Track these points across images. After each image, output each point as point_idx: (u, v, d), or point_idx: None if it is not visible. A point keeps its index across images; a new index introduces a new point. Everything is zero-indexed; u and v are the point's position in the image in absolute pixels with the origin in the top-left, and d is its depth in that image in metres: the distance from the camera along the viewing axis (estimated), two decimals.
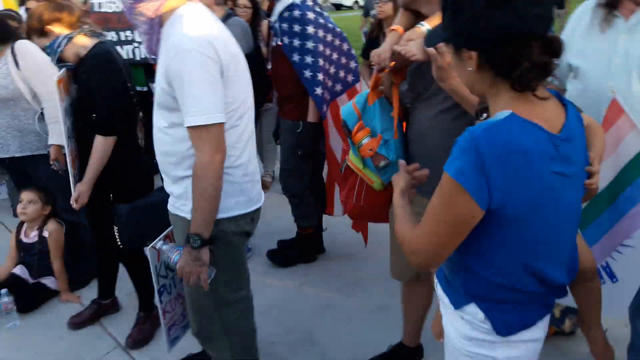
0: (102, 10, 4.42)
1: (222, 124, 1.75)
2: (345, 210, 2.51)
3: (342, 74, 3.16)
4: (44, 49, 2.71)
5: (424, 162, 1.97)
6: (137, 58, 4.39)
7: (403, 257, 2.21)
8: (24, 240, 3.30)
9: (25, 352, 2.86)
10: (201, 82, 1.70)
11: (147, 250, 2.11)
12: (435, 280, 1.46)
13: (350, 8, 29.37)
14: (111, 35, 4.38)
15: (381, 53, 1.94)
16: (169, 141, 1.88)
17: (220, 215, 1.88)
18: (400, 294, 2.51)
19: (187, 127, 1.74)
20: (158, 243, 2.06)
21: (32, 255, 3.28)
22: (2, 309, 3.03)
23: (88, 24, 2.69)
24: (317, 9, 3.11)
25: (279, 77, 3.31)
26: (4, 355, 2.85)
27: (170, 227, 2.15)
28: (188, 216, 1.87)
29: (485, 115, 1.35)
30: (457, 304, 1.33)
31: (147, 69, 4.51)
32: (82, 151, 2.64)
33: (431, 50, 1.56)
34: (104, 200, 2.64)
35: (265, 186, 4.81)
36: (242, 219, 1.98)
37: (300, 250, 3.62)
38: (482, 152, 1.10)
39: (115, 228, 2.52)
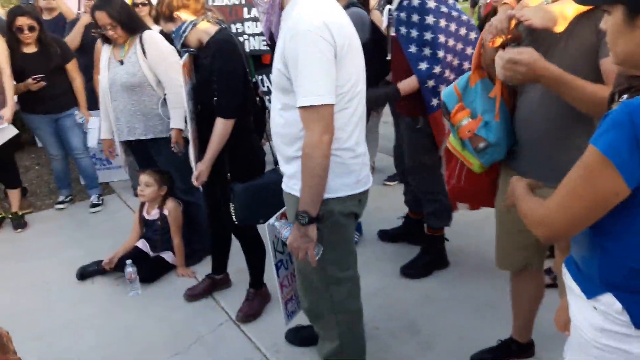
0: (215, 3, 4.63)
1: (331, 105, 1.80)
2: (447, 190, 2.48)
3: (466, 65, 2.92)
4: (169, 35, 2.88)
5: (530, 149, 1.96)
6: (247, 50, 4.56)
7: (510, 245, 2.21)
8: (146, 217, 3.56)
9: (146, 319, 3.10)
10: (315, 63, 1.75)
11: (267, 226, 2.22)
12: (564, 268, 1.42)
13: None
14: None
15: (497, 23, 1.87)
16: (282, 123, 1.96)
17: (328, 195, 1.93)
18: (508, 291, 2.46)
19: (299, 107, 1.80)
20: (272, 220, 2.15)
21: (153, 231, 3.54)
22: (126, 277, 3.29)
23: (211, 11, 2.83)
24: None
25: (396, 70, 3.14)
26: (128, 319, 3.10)
27: (285, 206, 2.24)
28: (298, 194, 1.94)
29: (626, 96, 1.29)
30: (590, 293, 1.28)
31: (256, 61, 4.68)
32: (201, 132, 2.78)
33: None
34: (221, 180, 2.77)
35: None
36: (350, 200, 2.02)
37: (433, 254, 3.41)
38: (638, 126, 1.05)
39: (231, 205, 2.67)
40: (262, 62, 4.60)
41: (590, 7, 1.62)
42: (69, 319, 3.13)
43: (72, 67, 4.34)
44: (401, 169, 3.72)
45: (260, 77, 3.99)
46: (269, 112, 4.50)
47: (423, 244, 3.44)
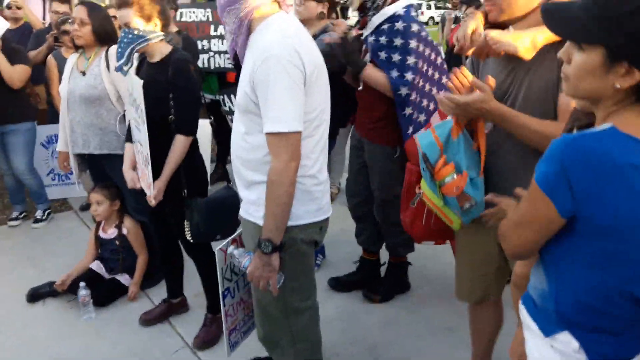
0: (183, 19, 4.61)
1: (299, 132, 1.79)
2: (409, 230, 2.37)
3: (434, 90, 2.84)
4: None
5: (501, 178, 1.93)
6: (212, 67, 4.55)
7: (469, 277, 2.21)
8: (102, 236, 3.44)
9: (100, 344, 2.98)
10: (284, 89, 1.74)
11: (216, 252, 2.17)
12: (521, 305, 1.42)
13: (425, 24, 29.48)
14: None
15: (461, 35, 1.88)
16: (246, 147, 1.93)
17: (291, 223, 1.91)
18: (467, 315, 2.45)
19: (266, 133, 1.78)
20: (229, 247, 2.10)
21: (110, 251, 3.43)
22: (79, 300, 3.17)
23: (172, 34, 2.79)
24: (419, 20, 2.81)
25: (370, 97, 2.94)
26: (80, 345, 2.98)
27: (239, 230, 2.21)
28: (259, 222, 1.91)
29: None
30: (548, 331, 1.27)
31: (220, 78, 4.65)
32: (152, 148, 2.64)
33: None
34: (173, 197, 2.69)
35: (331, 198, 4.85)
36: (312, 227, 1.99)
37: (396, 279, 3.36)
38: (567, 157, 1.10)
39: (186, 223, 2.63)
40: (226, 80, 4.57)
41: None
42: (19, 343, 3.00)
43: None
44: (354, 203, 3.35)
45: (222, 97, 3.95)
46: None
47: (385, 273, 3.38)
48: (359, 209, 3.32)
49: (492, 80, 1.76)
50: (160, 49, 2.65)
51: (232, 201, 2.51)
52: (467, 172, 1.87)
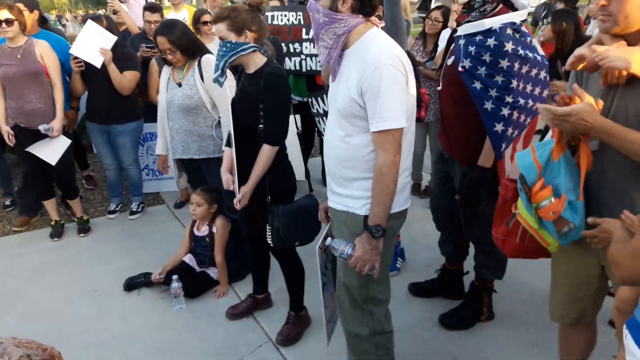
0: (275, 22, 4.73)
1: (402, 129, 1.99)
2: (503, 248, 2.28)
3: (530, 103, 2.63)
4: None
5: (604, 199, 1.84)
6: (303, 70, 4.63)
7: (565, 299, 2.13)
8: (196, 233, 3.64)
9: (189, 336, 3.16)
10: (394, 92, 1.94)
11: (317, 250, 2.29)
12: (625, 330, 1.37)
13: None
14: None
15: (583, 53, 1.79)
16: (345, 148, 2.09)
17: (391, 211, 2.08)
18: (558, 334, 2.38)
19: (375, 131, 1.97)
20: (327, 240, 2.20)
21: (202, 247, 3.62)
22: (172, 292, 3.36)
23: (269, 46, 2.88)
24: (518, 36, 2.57)
25: (446, 99, 2.89)
26: (171, 335, 3.17)
27: (327, 227, 2.36)
28: (359, 212, 2.12)
29: None
30: None
31: (310, 81, 4.74)
32: (240, 154, 2.79)
33: None
34: (260, 202, 2.82)
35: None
36: (402, 215, 2.22)
37: (477, 306, 3.16)
38: None
39: (268, 228, 2.75)
40: (316, 82, 4.64)
41: None
42: (117, 332, 3.22)
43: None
44: (439, 215, 3.28)
45: (311, 99, 4.03)
46: (317, 131, 4.56)
47: (465, 296, 3.25)
48: (445, 222, 3.26)
49: (600, 103, 1.68)
50: (254, 60, 2.75)
51: (313, 210, 2.61)
52: (565, 195, 1.81)
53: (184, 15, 6.27)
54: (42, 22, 4.72)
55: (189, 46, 3.45)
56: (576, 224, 1.80)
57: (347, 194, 2.15)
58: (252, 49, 2.71)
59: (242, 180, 2.78)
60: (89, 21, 4.32)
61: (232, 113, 2.77)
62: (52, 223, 4.56)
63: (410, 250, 3.80)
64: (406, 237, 3.98)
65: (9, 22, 3.91)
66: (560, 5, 5.92)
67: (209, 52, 3.58)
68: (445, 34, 4.17)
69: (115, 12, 5.53)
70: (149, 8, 5.11)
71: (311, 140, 5.24)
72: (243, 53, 2.69)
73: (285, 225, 2.74)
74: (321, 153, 5.30)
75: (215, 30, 2.76)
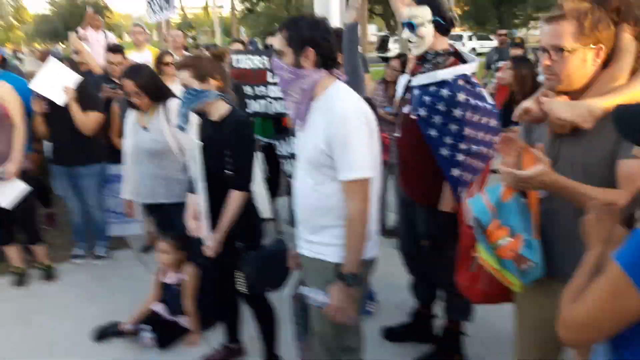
0: (240, 65, 4.79)
1: (370, 177, 2.09)
2: (468, 295, 2.35)
3: (483, 149, 2.78)
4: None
5: (558, 241, 1.92)
6: (270, 112, 4.68)
7: (530, 340, 2.19)
8: (164, 280, 3.59)
9: None
10: (360, 143, 2.05)
11: (290, 299, 2.34)
12: None
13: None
14: (246, 89, 4.73)
15: (529, 107, 1.91)
16: (316, 196, 2.16)
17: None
18: None
19: (345, 180, 2.06)
20: (301, 288, 2.23)
21: (172, 294, 3.57)
22: (143, 342, 3.30)
23: (230, 94, 2.94)
24: (469, 87, 2.73)
25: (403, 146, 3.03)
26: None
27: (298, 274, 2.41)
28: (330, 259, 2.16)
29: None
30: None
31: (276, 123, 4.80)
32: (210, 202, 2.81)
33: None
34: (229, 247, 2.83)
35: None
36: (371, 262, 2.28)
37: (449, 350, 3.18)
38: None
39: (240, 274, 2.76)
40: (282, 124, 4.70)
41: None
42: None
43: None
44: (408, 259, 3.35)
45: (277, 141, 4.10)
46: (284, 174, 4.60)
47: (436, 340, 3.28)
48: (415, 266, 3.32)
49: (541, 148, 1.79)
50: (218, 108, 2.80)
51: (283, 255, 2.64)
52: (520, 234, 1.89)
53: (147, 55, 6.31)
54: (1, 62, 4.66)
55: (155, 91, 3.48)
56: (536, 262, 1.88)
57: (318, 240, 2.20)
58: (216, 97, 2.77)
59: (213, 227, 2.79)
60: (52, 58, 4.30)
61: (199, 159, 2.80)
62: (14, 269, 4.42)
63: (380, 292, 3.84)
64: (375, 278, 4.01)
65: None
66: (515, 51, 6.20)
67: (174, 96, 3.59)
68: (403, 80, 4.32)
69: (76, 52, 5.50)
70: (112, 49, 5.12)
71: (276, 180, 5.28)
72: (207, 100, 2.75)
73: (255, 271, 2.74)
74: (287, 193, 5.34)
75: (179, 77, 2.80)
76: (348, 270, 2.10)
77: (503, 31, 9.04)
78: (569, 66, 1.78)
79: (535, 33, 34.65)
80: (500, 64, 7.41)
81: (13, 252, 4.41)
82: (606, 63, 1.80)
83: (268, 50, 4.92)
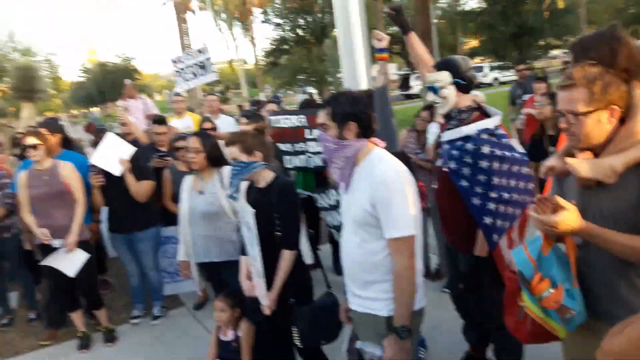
0: (280, 125, 5.08)
1: (415, 234, 2.24)
2: (514, 334, 2.41)
3: (516, 196, 2.89)
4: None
5: (598, 287, 2.02)
6: (311, 166, 4.93)
7: None
8: (222, 338, 3.76)
9: None
10: (403, 203, 2.21)
11: (346, 353, 2.46)
12: None
13: (489, 85, 29.86)
14: (286, 147, 5.01)
15: (554, 164, 2.06)
16: (363, 253, 2.32)
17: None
18: None
19: (391, 238, 2.21)
20: (357, 343, 2.37)
21: (229, 352, 3.72)
22: None
23: (273, 162, 3.22)
24: (494, 140, 2.90)
25: (442, 196, 3.25)
26: None
27: (350, 328, 2.56)
28: (380, 313, 2.29)
29: None
30: None
31: (318, 176, 5.03)
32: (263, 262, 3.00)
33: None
34: (283, 304, 3.02)
35: None
36: (422, 312, 2.41)
37: None
38: None
39: (294, 329, 2.93)
40: (322, 176, 4.93)
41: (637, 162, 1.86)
42: None
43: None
44: (460, 305, 3.51)
45: (319, 195, 4.32)
46: (328, 226, 4.79)
47: None
48: (467, 310, 3.45)
49: (574, 205, 1.90)
50: (264, 176, 3.09)
51: (334, 309, 2.82)
52: (562, 285, 1.99)
53: (188, 121, 6.66)
54: (66, 143, 5.03)
55: (214, 156, 3.80)
56: (577, 310, 1.97)
57: (367, 295, 2.35)
58: (262, 167, 3.05)
59: (267, 286, 2.98)
60: (110, 134, 4.65)
61: (253, 224, 2.99)
62: (79, 334, 4.68)
63: (429, 338, 3.90)
64: (424, 324, 4.08)
65: (35, 147, 4.23)
66: (539, 84, 6.31)
67: (228, 164, 3.87)
68: (433, 128, 4.65)
69: (123, 124, 5.87)
70: (157, 121, 5.49)
71: (316, 230, 5.50)
72: (254, 170, 3.03)
73: (308, 326, 2.92)
74: (331, 242, 5.52)
75: (227, 152, 3.11)
76: (400, 324, 2.22)
77: (522, 66, 8.96)
78: (586, 128, 1.93)
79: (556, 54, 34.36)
80: (526, 96, 7.34)
81: (78, 318, 4.67)
82: (624, 119, 1.94)
83: (305, 109, 5.22)
